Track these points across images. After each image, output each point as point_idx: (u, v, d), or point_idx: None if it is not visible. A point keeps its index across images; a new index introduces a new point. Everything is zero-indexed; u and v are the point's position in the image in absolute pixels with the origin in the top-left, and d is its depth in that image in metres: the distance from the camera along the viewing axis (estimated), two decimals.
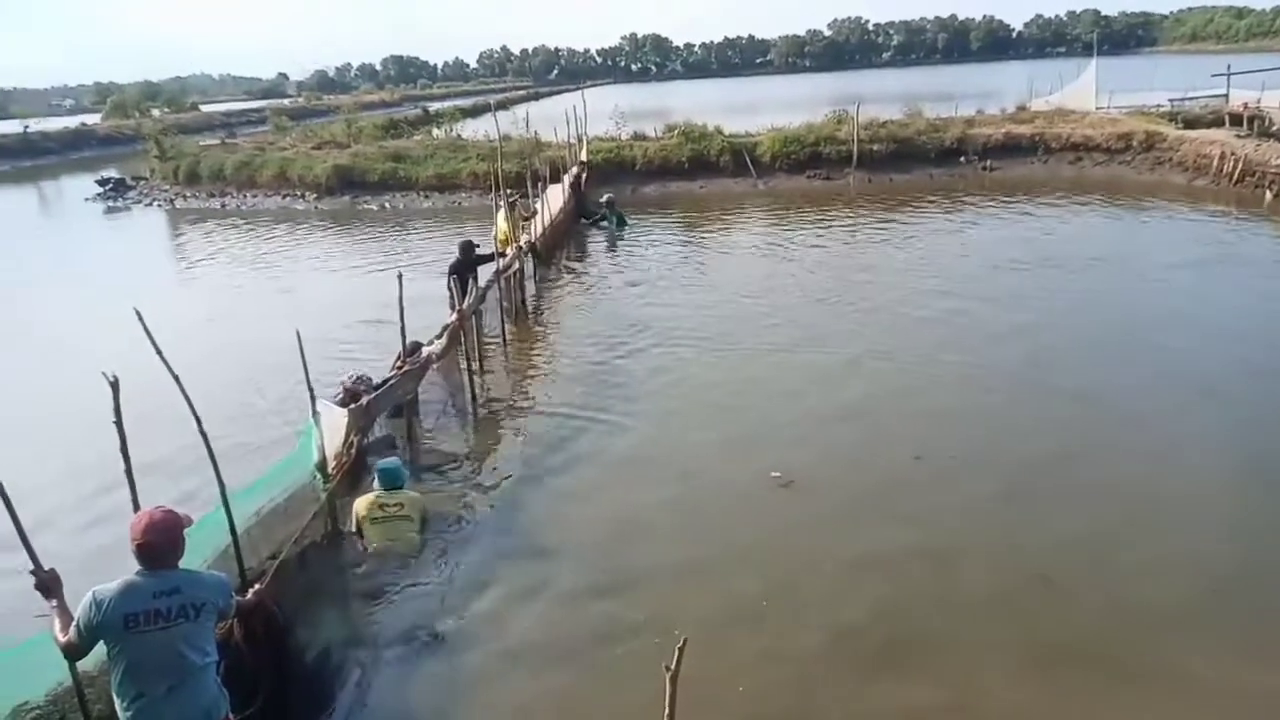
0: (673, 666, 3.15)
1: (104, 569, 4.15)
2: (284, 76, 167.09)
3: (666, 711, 3.13)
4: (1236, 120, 24.19)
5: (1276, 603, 5.88)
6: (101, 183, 30.95)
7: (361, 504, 6.89)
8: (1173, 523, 6.96)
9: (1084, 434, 8.51)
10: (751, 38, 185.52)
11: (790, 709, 5.15)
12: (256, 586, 4.40)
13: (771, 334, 11.93)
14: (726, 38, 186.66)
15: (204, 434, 5.33)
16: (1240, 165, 20.60)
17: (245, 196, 27.32)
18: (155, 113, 63.78)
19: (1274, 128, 22.80)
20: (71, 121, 62.80)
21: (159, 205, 27.80)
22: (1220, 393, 9.27)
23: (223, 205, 26.89)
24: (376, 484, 6.99)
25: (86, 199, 29.81)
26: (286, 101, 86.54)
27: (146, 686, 3.68)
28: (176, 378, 5.08)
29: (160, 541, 3.73)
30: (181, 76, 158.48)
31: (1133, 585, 6.09)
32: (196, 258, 19.85)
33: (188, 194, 28.22)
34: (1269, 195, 19.36)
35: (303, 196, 26.56)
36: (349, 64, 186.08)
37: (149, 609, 3.66)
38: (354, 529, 6.87)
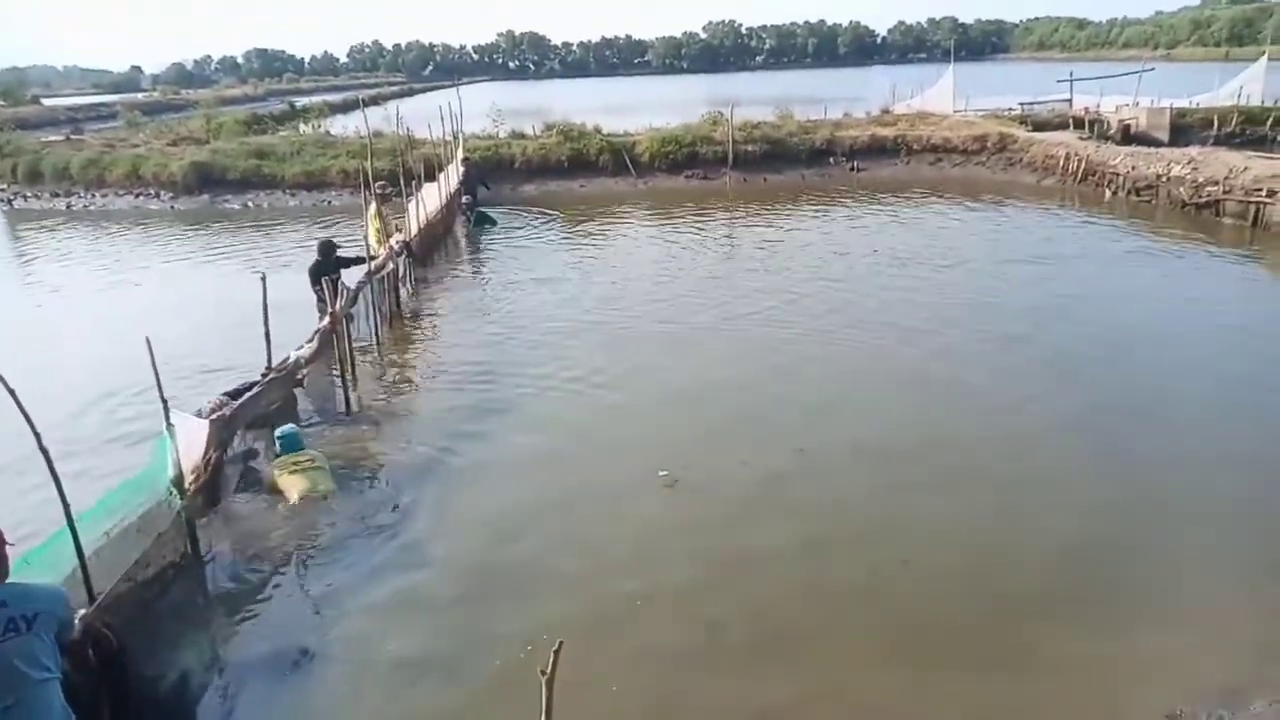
0: (548, 670, 3.14)
1: None
2: (138, 70, 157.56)
3: (543, 716, 3.12)
4: (1079, 124, 26.03)
5: (1124, 576, 6.32)
6: None
7: (275, 467, 7.49)
8: (1025, 503, 7.39)
9: (946, 420, 8.95)
10: (629, 38, 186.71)
11: (660, 706, 5.19)
12: (81, 612, 4.08)
13: (650, 330, 12.05)
14: (604, 37, 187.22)
15: (44, 450, 4.96)
16: (1083, 165, 22.14)
17: (94, 196, 25.56)
18: None
19: (1110, 131, 24.67)
20: None
21: None
22: (1074, 374, 9.95)
23: (69, 206, 25.08)
24: (279, 449, 7.60)
25: None
26: (140, 96, 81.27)
27: None
28: (11, 391, 4.71)
29: None
30: (20, 67, 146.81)
31: (993, 568, 6.43)
32: (38, 262, 18.42)
33: (28, 194, 26.17)
34: (1108, 193, 20.87)
35: (158, 196, 25.07)
36: (208, 57, 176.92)
37: None
38: (269, 493, 7.41)
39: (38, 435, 4.91)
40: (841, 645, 5.66)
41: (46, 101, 69.70)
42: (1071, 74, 30.28)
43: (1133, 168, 20.54)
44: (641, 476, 7.79)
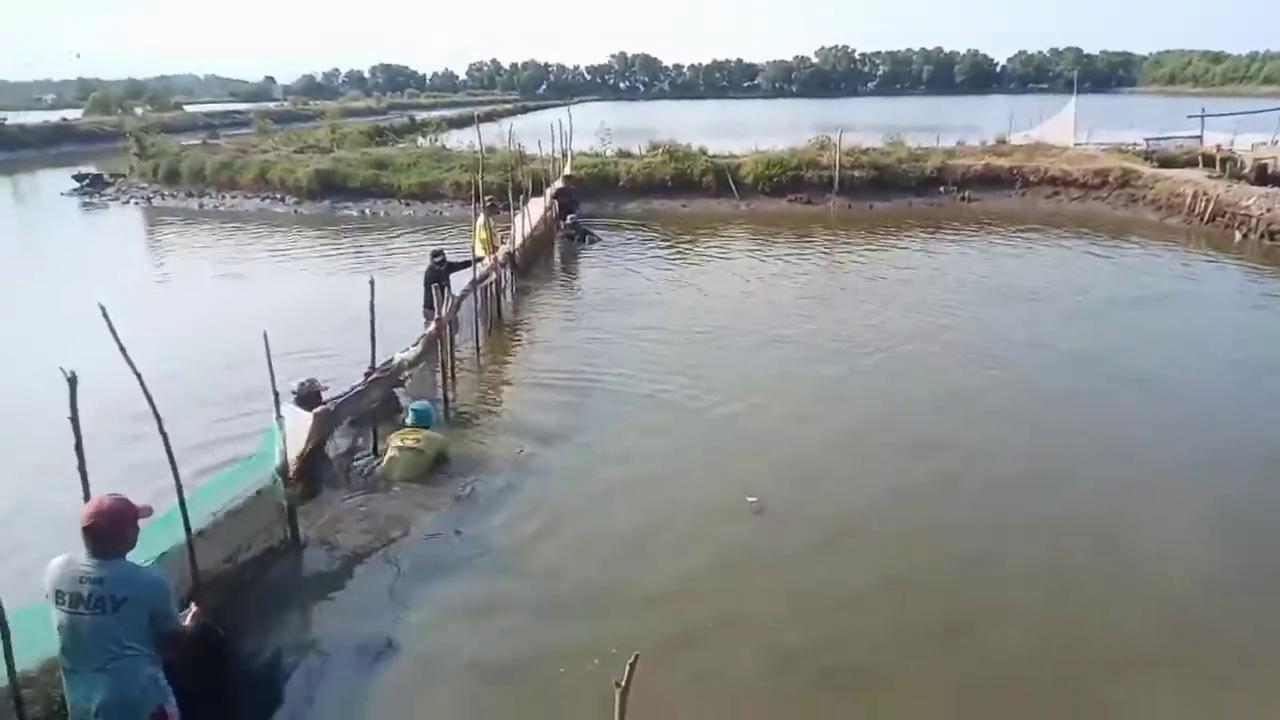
0: (623, 683, 3.15)
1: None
2: (270, 80, 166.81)
3: None
4: (1209, 162, 24.69)
5: (1230, 642, 5.92)
6: (79, 178, 30.61)
7: (392, 436, 8.20)
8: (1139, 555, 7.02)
9: (1051, 458, 8.60)
10: (740, 61, 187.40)
11: None
12: (192, 611, 4.24)
13: (758, 355, 11.97)
14: (715, 60, 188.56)
15: (164, 433, 5.28)
16: (1212, 205, 20.99)
17: (224, 197, 27.12)
18: (138, 110, 63.30)
19: (1244, 170, 23.28)
20: (52, 116, 62.15)
21: (136, 203, 27.51)
22: (1201, 421, 9.46)
23: (201, 205, 26.67)
24: (408, 420, 8.30)
25: (62, 194, 29.48)
26: (272, 105, 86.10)
27: (72, 661, 3.80)
28: (138, 374, 5.02)
29: (103, 527, 3.74)
30: (167, 76, 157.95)
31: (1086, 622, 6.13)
32: (172, 256, 19.66)
33: (166, 193, 27.99)
34: (1238, 236, 19.72)
35: (283, 200, 26.41)
36: (336, 70, 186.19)
37: (73, 590, 3.73)
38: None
39: (159, 418, 5.23)
40: (913, 690, 5.47)
41: (188, 108, 74.51)
42: (1203, 109, 28.75)
43: (1268, 209, 19.35)
44: (729, 500, 7.73)
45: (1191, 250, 19.18)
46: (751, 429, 9.50)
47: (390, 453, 8.05)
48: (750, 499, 7.65)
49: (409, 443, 8.04)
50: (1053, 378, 11.05)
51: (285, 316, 13.04)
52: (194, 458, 7.50)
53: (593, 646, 5.73)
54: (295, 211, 25.60)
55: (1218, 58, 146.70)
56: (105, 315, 4.84)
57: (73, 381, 4.45)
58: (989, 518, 7.60)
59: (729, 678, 5.53)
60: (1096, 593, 6.47)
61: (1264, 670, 5.63)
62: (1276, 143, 25.57)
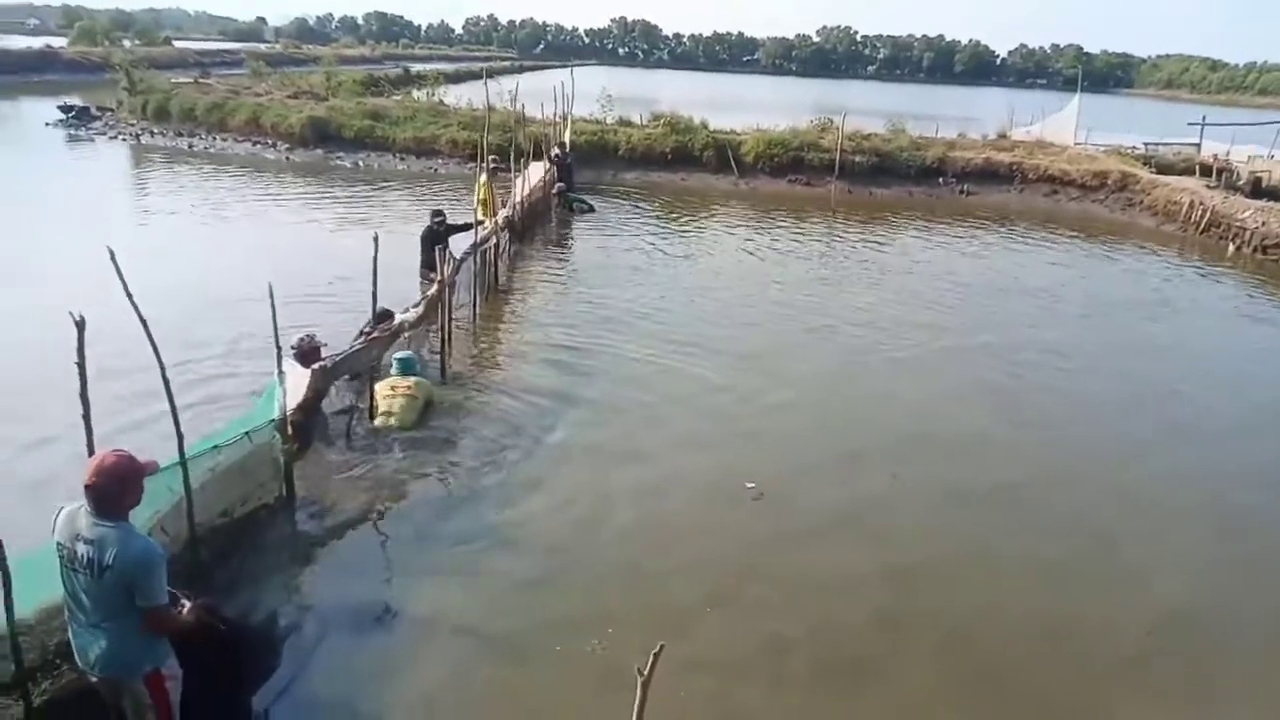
0: (646, 671, 3.10)
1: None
2: (262, 21, 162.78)
3: (635, 714, 3.09)
4: (1206, 171, 24.78)
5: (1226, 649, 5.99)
6: (64, 109, 29.78)
7: (380, 386, 8.22)
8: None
9: (1038, 463, 8.64)
10: (741, 35, 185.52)
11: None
12: (186, 604, 4.03)
13: (750, 333, 11.93)
14: (716, 32, 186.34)
15: (166, 381, 5.15)
16: (1208, 216, 21.08)
17: (215, 139, 26.54)
18: (126, 43, 61.74)
19: (1240, 182, 23.38)
20: (36, 42, 60.33)
21: (123, 139, 26.85)
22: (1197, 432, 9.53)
23: (190, 146, 26.08)
24: (394, 370, 8.39)
25: (47, 124, 28.72)
26: (263, 46, 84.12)
27: (74, 612, 3.76)
28: (145, 322, 4.88)
29: (105, 485, 3.61)
30: (156, 9, 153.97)
31: (1083, 624, 6.17)
32: (158, 196, 19.18)
33: (155, 130, 27.34)
34: (1231, 247, 19.84)
35: (274, 146, 25.87)
36: (330, 14, 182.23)
37: (71, 547, 3.66)
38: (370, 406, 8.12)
39: (163, 366, 5.10)
40: (907, 682, 5.50)
41: (177, 44, 72.64)
42: (1204, 118, 28.82)
43: (1263, 223, 19.46)
44: (727, 482, 7.70)
45: (1186, 259, 19.27)
46: (747, 406, 9.47)
47: (383, 401, 8.12)
48: (749, 484, 7.61)
49: (401, 390, 8.18)
50: (1056, 381, 11.07)
51: (272, 267, 12.81)
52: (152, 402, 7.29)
53: (588, 625, 5.72)
54: (287, 159, 25.09)
55: (1215, 66, 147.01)
56: (114, 261, 4.69)
57: (80, 325, 4.30)
58: (984, 515, 7.63)
59: (722, 662, 5.51)
60: (1091, 593, 6.52)
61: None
62: (1273, 156, 25.72)
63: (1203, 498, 8.14)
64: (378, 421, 8.05)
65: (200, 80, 33.74)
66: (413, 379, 8.37)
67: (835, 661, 5.69)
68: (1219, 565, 7.06)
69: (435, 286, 9.60)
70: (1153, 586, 6.69)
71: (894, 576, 6.57)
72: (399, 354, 8.63)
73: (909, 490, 7.85)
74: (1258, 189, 22.87)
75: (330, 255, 14.04)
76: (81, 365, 4.34)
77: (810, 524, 7.21)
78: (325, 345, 8.17)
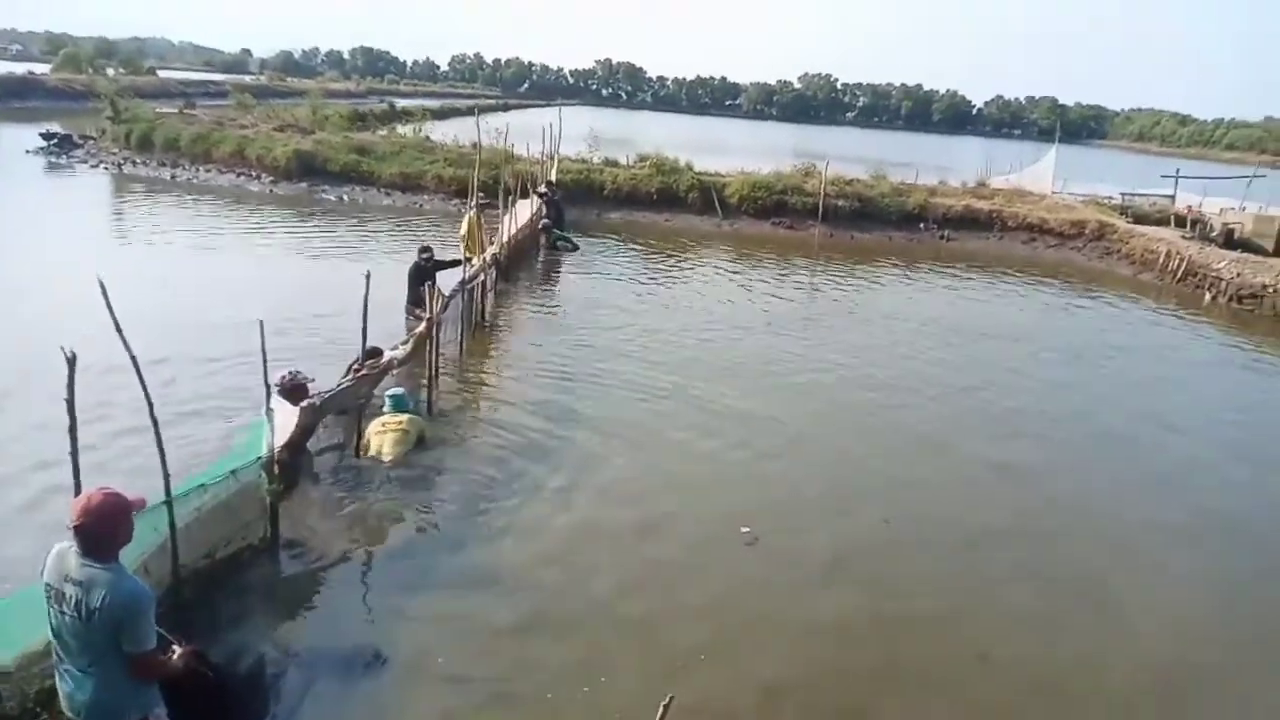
0: None
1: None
2: (247, 53, 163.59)
3: None
4: (1180, 221, 25.31)
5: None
6: (46, 136, 29.56)
7: (373, 424, 8.27)
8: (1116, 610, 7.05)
9: (1029, 509, 8.65)
10: (724, 79, 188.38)
11: None
12: (176, 649, 3.88)
13: (740, 374, 11.94)
14: (699, 76, 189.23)
15: (155, 420, 5.05)
16: (1185, 265, 21.48)
17: (198, 170, 26.42)
18: (110, 71, 61.66)
19: (1213, 233, 23.90)
20: (18, 68, 60.17)
21: (105, 168, 26.65)
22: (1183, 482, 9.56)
23: (173, 176, 25.93)
24: (386, 407, 8.40)
25: (27, 151, 28.48)
26: (249, 78, 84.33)
27: (61, 655, 3.64)
28: (135, 360, 4.81)
29: (91, 527, 3.48)
30: (140, 38, 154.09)
31: (1075, 674, 6.12)
32: (138, 227, 18.98)
33: (137, 160, 27.16)
34: (1208, 297, 20.19)
35: (258, 178, 25.78)
36: (316, 48, 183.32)
37: (59, 589, 3.52)
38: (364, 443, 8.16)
39: (150, 403, 5.00)
40: None
41: (161, 73, 72.69)
42: (1178, 170, 29.52)
43: (1238, 274, 19.85)
44: (720, 527, 7.63)
45: (1163, 307, 19.57)
46: (739, 449, 9.44)
47: (374, 439, 8.13)
48: (744, 529, 7.53)
49: (392, 426, 8.21)
50: (1043, 427, 11.14)
51: (255, 301, 12.70)
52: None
53: (579, 671, 5.61)
54: (271, 191, 25.00)
55: (1185, 120, 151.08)
56: (104, 293, 4.60)
57: (71, 361, 4.21)
58: (975, 565, 7.59)
59: (712, 710, 5.41)
60: (1084, 642, 6.49)
61: None
62: (1244, 209, 26.30)
63: (1190, 545, 8.16)
64: (371, 455, 8.05)
65: (185, 110, 33.67)
66: (405, 415, 8.36)
67: (829, 710, 5.62)
68: (1211, 615, 7.05)
69: (424, 324, 9.52)
70: (1141, 636, 6.67)
71: (887, 623, 6.53)
72: (391, 391, 8.59)
73: (901, 535, 7.82)
74: (1230, 240, 23.39)
75: (314, 289, 13.95)
76: (70, 402, 4.24)
77: (804, 570, 7.14)
78: (312, 381, 8.04)
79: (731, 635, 6.23)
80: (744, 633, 6.28)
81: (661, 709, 3.08)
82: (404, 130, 33.00)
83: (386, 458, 7.99)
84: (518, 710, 5.29)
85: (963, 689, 5.91)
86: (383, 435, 8.12)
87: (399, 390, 8.66)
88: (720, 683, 5.70)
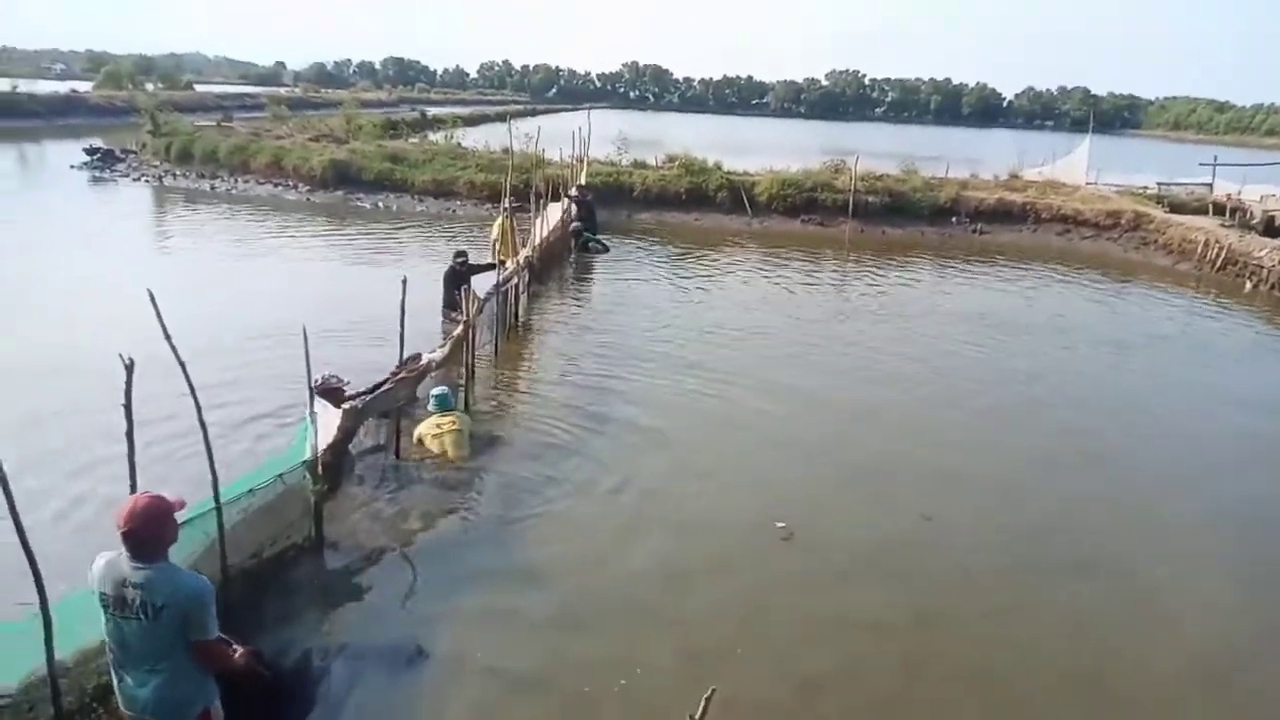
0: (698, 716, 3.10)
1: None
2: (281, 65, 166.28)
3: None
4: (1220, 210, 24.84)
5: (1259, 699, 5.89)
6: (90, 151, 30.33)
7: (423, 426, 8.41)
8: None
9: (1071, 502, 8.58)
10: (750, 79, 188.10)
11: None
12: (238, 649, 4.11)
13: (774, 370, 11.96)
14: (726, 76, 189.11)
15: (203, 424, 5.21)
16: (1224, 254, 21.10)
17: (236, 181, 26.98)
18: (149, 87, 62.99)
19: (1254, 221, 23.44)
20: (62, 87, 61.73)
21: (147, 180, 27.31)
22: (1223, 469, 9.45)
23: (213, 187, 26.50)
24: (431, 407, 8.49)
25: (72, 166, 29.23)
26: (283, 90, 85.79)
27: (121, 663, 3.75)
28: (183, 365, 4.96)
29: (141, 530, 3.61)
30: (177, 54, 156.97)
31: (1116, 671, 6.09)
32: (181, 237, 19.46)
33: (178, 172, 27.82)
34: (1248, 285, 19.82)
35: (295, 187, 26.29)
36: (348, 60, 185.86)
37: (117, 594, 3.65)
38: (415, 445, 8.38)
39: (199, 408, 5.16)
40: None
41: (198, 88, 74.14)
42: (1216, 158, 28.95)
43: (1279, 262, 19.45)
44: (756, 522, 7.67)
45: (1203, 296, 19.25)
46: (774, 443, 9.48)
47: (432, 443, 8.28)
48: (779, 524, 7.57)
49: (446, 426, 8.30)
50: (1078, 417, 11.03)
51: (294, 306, 12.95)
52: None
53: (616, 665, 5.67)
54: (307, 200, 25.47)
55: (1222, 107, 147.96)
56: (154, 302, 4.77)
57: (130, 368, 4.38)
58: (1012, 556, 7.57)
59: (749, 705, 5.45)
60: (1120, 636, 6.45)
61: None
62: None
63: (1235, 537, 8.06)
64: (434, 457, 8.24)
65: (223, 123, 34.36)
66: (453, 414, 8.49)
67: (867, 703, 5.62)
68: (1253, 608, 6.97)
69: (460, 326, 9.68)
70: (1185, 630, 6.61)
71: (925, 618, 6.51)
72: (435, 390, 8.68)
73: (940, 531, 7.80)
74: (1270, 227, 22.93)
75: (350, 294, 14.20)
76: (128, 407, 4.41)
77: (841, 565, 7.17)
78: (348, 384, 8.23)
79: (768, 629, 6.27)
80: (781, 627, 6.31)
81: (704, 702, 3.14)
82: (436, 137, 33.45)
83: (454, 459, 8.19)
84: (555, 702, 5.38)
85: (1004, 685, 5.88)
86: (441, 437, 8.26)
87: (443, 389, 8.74)
88: (757, 676, 5.74)
